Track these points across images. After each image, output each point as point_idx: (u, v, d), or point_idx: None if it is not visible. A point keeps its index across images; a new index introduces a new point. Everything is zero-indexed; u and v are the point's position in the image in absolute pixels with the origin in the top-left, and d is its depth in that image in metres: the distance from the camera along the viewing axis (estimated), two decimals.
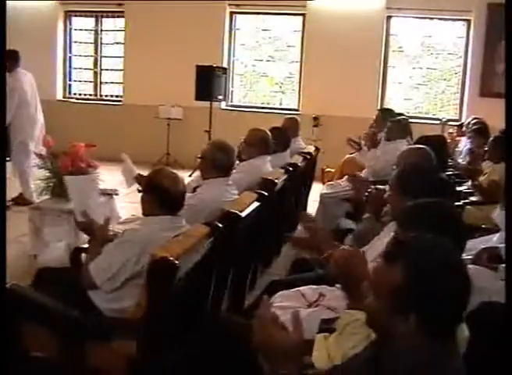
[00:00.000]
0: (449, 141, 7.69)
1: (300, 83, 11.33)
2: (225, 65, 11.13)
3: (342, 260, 2.42)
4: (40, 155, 5.86)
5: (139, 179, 4.57)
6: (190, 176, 8.33)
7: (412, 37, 11.18)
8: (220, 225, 3.21)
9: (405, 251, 1.72)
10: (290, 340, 1.69)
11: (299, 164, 5.65)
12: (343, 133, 7.48)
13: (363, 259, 2.43)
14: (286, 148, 6.15)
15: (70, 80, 12.53)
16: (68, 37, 12.36)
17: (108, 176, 5.72)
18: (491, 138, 5.78)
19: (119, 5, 11.70)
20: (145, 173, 3.83)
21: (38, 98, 7.76)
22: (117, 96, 12.28)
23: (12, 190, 7.07)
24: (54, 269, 3.82)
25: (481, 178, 5.46)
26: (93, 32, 12.37)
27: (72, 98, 12.44)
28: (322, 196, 6.45)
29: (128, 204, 6.59)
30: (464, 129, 8.69)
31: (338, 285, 2.81)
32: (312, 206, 6.90)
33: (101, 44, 12.36)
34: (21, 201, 7.17)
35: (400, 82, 11.28)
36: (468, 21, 10.59)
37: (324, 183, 7.47)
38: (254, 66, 11.93)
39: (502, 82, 10.21)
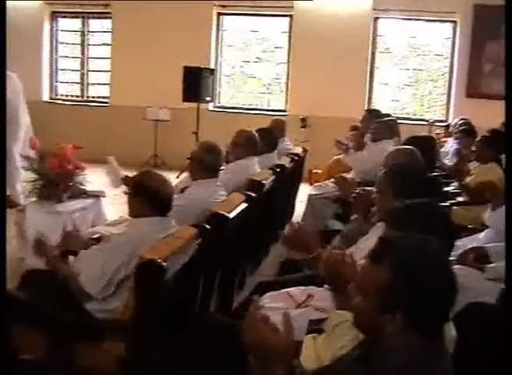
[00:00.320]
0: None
1: (287, 84, 11.35)
2: (212, 66, 11.13)
3: (330, 262, 2.43)
4: (26, 157, 5.83)
5: (126, 180, 4.56)
6: (177, 177, 8.31)
7: (399, 39, 11.23)
8: (208, 226, 3.21)
9: (390, 250, 1.73)
10: (281, 341, 1.69)
11: (286, 165, 5.66)
12: (330, 134, 7.50)
13: (351, 261, 2.44)
14: (274, 148, 6.16)
15: (57, 82, 12.47)
16: (54, 39, 12.31)
17: (95, 178, 5.70)
18: (477, 139, 5.80)
19: (106, 6, 11.66)
20: (133, 174, 3.82)
21: (23, 99, 7.69)
22: (104, 97, 12.24)
23: None
24: (41, 270, 3.80)
25: (468, 179, 5.49)
26: (79, 33, 12.32)
27: (58, 99, 12.39)
28: (310, 197, 6.46)
29: (115, 205, 6.56)
30: (450, 130, 8.73)
31: (326, 286, 2.81)
32: (300, 207, 6.91)
33: (88, 45, 12.32)
34: (8, 203, 7.12)
35: (387, 83, 11.31)
36: (454, 22, 10.65)
37: (311, 184, 7.49)
38: (241, 67, 11.93)
39: (488, 83, 10.34)
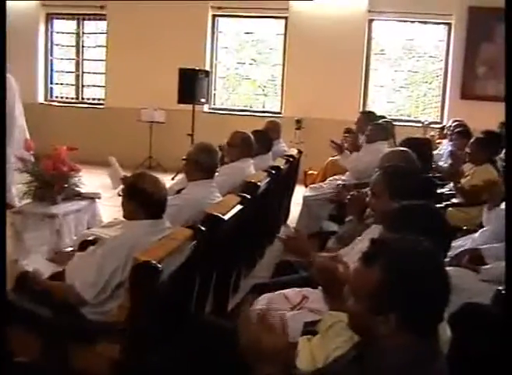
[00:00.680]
0: None
1: (282, 86, 11.35)
2: (207, 68, 11.12)
3: (323, 269, 2.43)
4: (21, 159, 5.81)
5: (125, 181, 4.55)
6: (172, 179, 8.31)
7: (394, 41, 11.25)
8: (203, 228, 3.20)
9: (382, 251, 1.73)
10: (275, 341, 1.70)
11: (282, 167, 5.66)
12: (325, 136, 7.50)
13: (343, 264, 2.44)
14: (269, 150, 6.16)
15: (52, 83, 12.44)
16: (49, 40, 12.28)
17: (90, 180, 5.69)
18: (471, 140, 5.80)
19: (101, 7, 11.65)
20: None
21: (19, 100, 7.67)
22: (99, 99, 12.21)
23: None
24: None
25: (463, 180, 5.49)
26: (75, 35, 12.29)
27: (53, 101, 12.37)
28: (306, 198, 6.47)
29: (110, 207, 6.55)
30: (445, 131, 8.74)
31: (321, 287, 2.81)
32: (295, 209, 6.92)
33: (83, 46, 12.28)
34: None
35: (382, 85, 11.33)
36: (449, 24, 10.67)
37: (306, 186, 7.48)
38: (236, 69, 11.93)
39: (483, 85, 10.37)
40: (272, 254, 5.52)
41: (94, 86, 12.40)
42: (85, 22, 12.20)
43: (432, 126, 9.95)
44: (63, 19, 12.32)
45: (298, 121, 10.70)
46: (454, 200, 5.37)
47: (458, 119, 8.40)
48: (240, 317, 1.80)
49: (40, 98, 12.21)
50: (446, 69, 10.87)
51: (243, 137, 5.40)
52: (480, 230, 4.08)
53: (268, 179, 5.03)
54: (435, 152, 7.38)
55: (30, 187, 5.47)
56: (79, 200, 5.59)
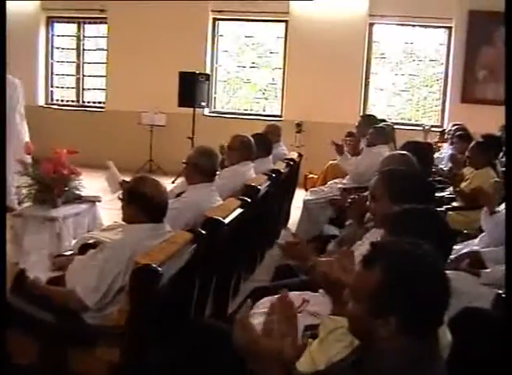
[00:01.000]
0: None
1: (283, 89, 11.37)
2: (208, 71, 11.14)
3: (326, 276, 2.42)
4: (21, 162, 5.81)
5: (124, 185, 4.55)
6: (173, 182, 8.32)
7: (394, 44, 11.26)
8: (203, 231, 3.20)
9: (382, 255, 1.73)
10: (273, 344, 1.69)
11: (282, 170, 5.66)
12: (325, 140, 7.50)
13: (344, 266, 2.43)
14: (269, 153, 6.16)
15: (52, 87, 12.46)
16: (50, 43, 12.30)
17: (91, 183, 5.69)
18: (471, 144, 5.80)
19: (102, 11, 11.66)
20: (129, 179, 3.81)
21: (22, 103, 7.67)
22: (99, 102, 12.23)
23: None
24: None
25: (463, 184, 5.49)
26: (75, 38, 12.31)
27: (54, 104, 12.38)
28: (306, 202, 6.47)
29: (111, 210, 6.54)
30: (446, 136, 8.75)
31: (321, 291, 2.81)
32: (295, 213, 6.91)
33: (84, 50, 12.30)
34: None
35: (383, 88, 11.34)
36: (450, 28, 10.69)
37: (306, 190, 7.48)
38: (237, 73, 11.94)
39: (483, 88, 10.38)
40: (272, 257, 5.52)
41: (94, 89, 12.42)
42: (85, 25, 12.22)
43: (432, 130, 9.94)
44: (64, 22, 12.36)
45: (298, 124, 10.70)
46: (454, 204, 5.38)
47: (458, 122, 8.41)
48: (236, 320, 1.79)
49: (41, 101, 12.23)
50: (446, 72, 10.88)
51: (243, 140, 5.40)
52: (479, 236, 4.08)
53: (268, 182, 5.03)
54: (435, 156, 7.40)
55: (30, 190, 5.46)
56: (79, 203, 5.58)
